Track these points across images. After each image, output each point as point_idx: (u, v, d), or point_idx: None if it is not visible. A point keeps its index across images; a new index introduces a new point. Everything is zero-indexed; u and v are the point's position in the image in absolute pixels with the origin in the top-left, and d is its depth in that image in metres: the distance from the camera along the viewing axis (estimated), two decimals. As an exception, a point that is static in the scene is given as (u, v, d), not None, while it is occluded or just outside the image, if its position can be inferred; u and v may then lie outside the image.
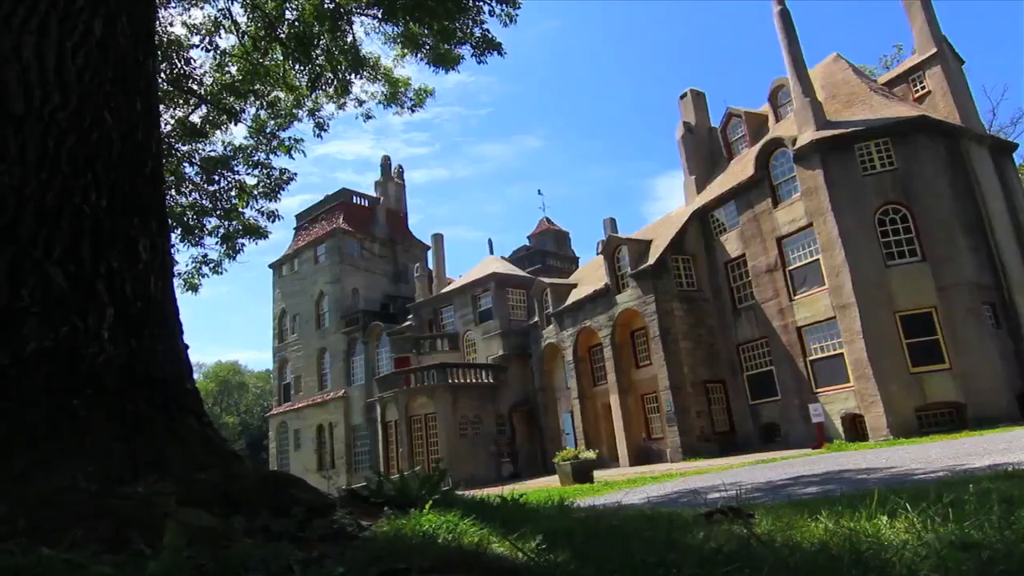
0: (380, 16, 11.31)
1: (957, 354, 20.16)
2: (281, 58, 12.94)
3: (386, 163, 51.88)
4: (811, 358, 23.23)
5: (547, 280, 34.43)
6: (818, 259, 22.91)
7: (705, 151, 30.73)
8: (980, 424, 18.67)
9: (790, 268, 24.11)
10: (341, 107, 13.74)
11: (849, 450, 17.56)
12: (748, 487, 10.00)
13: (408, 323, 40.83)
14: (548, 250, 45.27)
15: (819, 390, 22.66)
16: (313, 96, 12.70)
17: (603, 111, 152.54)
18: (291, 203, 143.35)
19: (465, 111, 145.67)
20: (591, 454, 17.50)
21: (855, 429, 21.53)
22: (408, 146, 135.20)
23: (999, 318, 21.21)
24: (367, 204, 49.86)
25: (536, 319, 33.84)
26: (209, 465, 2.45)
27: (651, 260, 26.69)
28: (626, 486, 14.37)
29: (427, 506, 2.34)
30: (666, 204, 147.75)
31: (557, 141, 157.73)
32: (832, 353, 22.49)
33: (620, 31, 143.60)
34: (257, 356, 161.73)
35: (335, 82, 12.22)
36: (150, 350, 2.67)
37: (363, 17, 12.51)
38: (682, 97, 31.98)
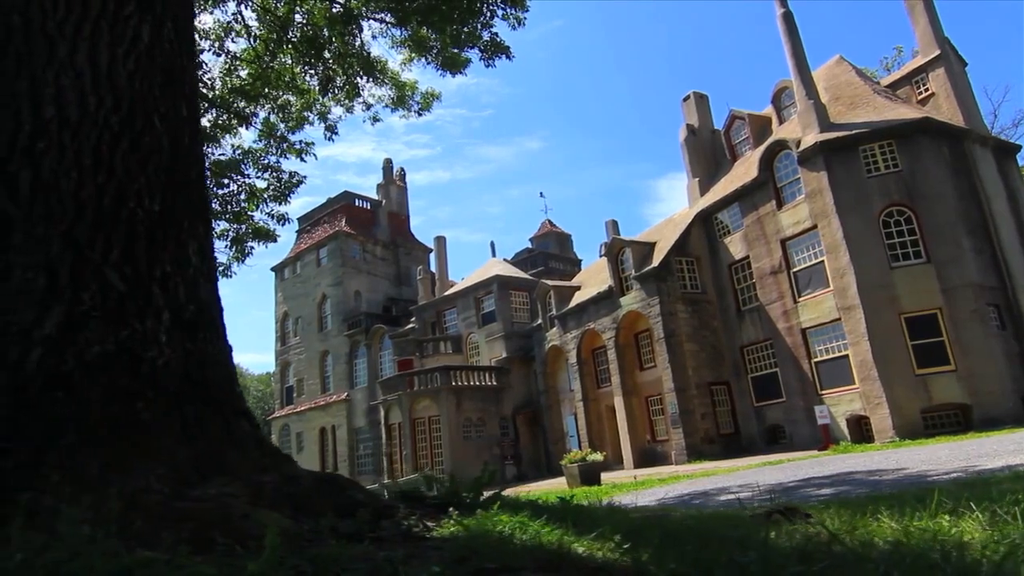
0: (391, 21, 11.36)
1: (962, 355, 20.19)
2: (290, 62, 12.99)
3: (388, 166, 51.92)
4: (816, 360, 23.25)
5: (550, 282, 34.46)
6: (822, 261, 22.95)
7: (708, 153, 30.79)
8: (986, 425, 18.70)
9: (794, 270, 24.15)
10: (349, 110, 13.78)
11: (855, 452, 17.58)
12: (760, 489, 10.01)
13: (411, 325, 40.85)
14: (550, 252, 45.27)
15: (824, 392, 22.68)
16: (323, 99, 12.74)
17: (604, 112, 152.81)
18: (293, 206, 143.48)
19: (467, 113, 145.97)
20: (598, 456, 17.51)
21: (860, 431, 21.55)
22: (410, 148, 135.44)
23: (1004, 319, 21.25)
24: (369, 207, 49.91)
25: (539, 321, 33.86)
26: (267, 467, 2.47)
27: (655, 262, 26.73)
28: (635, 488, 14.38)
29: (495, 507, 2.35)
30: (667, 206, 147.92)
31: (558, 142, 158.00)
32: (837, 355, 22.52)
33: (622, 32, 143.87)
34: (258, 359, 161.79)
35: (345, 86, 12.26)
36: (203, 353, 2.69)
37: (371, 21, 12.58)
38: (685, 99, 32.04)
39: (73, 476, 1.86)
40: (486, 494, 2.82)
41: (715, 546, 1.57)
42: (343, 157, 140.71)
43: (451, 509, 2.30)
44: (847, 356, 21.98)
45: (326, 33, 12.00)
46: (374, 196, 51.01)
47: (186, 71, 3.29)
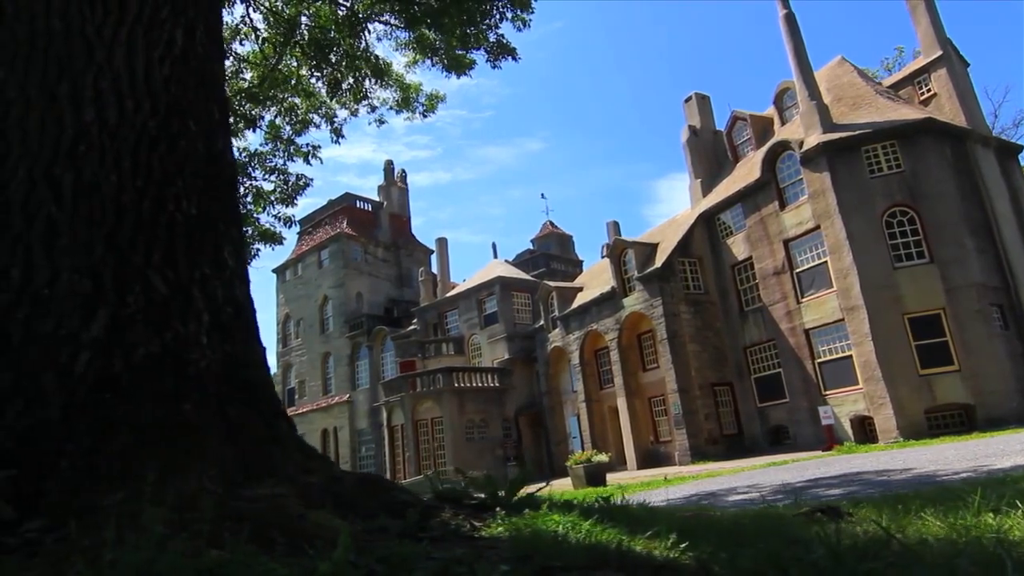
0: (400, 24, 11.39)
1: (966, 355, 20.21)
2: (296, 64, 13.01)
3: (389, 167, 51.97)
4: (819, 360, 23.27)
5: (552, 283, 34.49)
6: (826, 261, 22.97)
7: (710, 154, 30.84)
8: (989, 425, 18.72)
9: (797, 270, 24.17)
10: (354, 113, 13.79)
11: (860, 452, 17.59)
12: (768, 489, 10.01)
13: (412, 327, 40.85)
14: (552, 253, 45.29)
15: (828, 392, 22.69)
16: (330, 102, 12.76)
17: (604, 113, 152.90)
18: (294, 208, 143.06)
19: (467, 114, 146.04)
20: (604, 457, 17.52)
21: (864, 431, 21.57)
22: (410, 149, 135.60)
23: (1007, 319, 21.28)
24: (370, 208, 49.95)
25: (541, 322, 33.87)
26: (310, 468, 2.49)
27: (658, 263, 26.75)
28: (641, 489, 14.36)
29: (543, 506, 2.37)
30: (667, 207, 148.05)
31: (558, 143, 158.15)
32: (841, 355, 22.53)
33: (622, 33, 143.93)
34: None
35: (353, 88, 12.29)
36: (242, 355, 2.70)
37: (376, 23, 12.60)
38: (687, 100, 32.10)
39: (139, 476, 1.88)
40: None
41: (776, 544, 1.58)
42: (344, 158, 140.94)
43: (498, 509, 2.32)
44: (851, 356, 22.00)
45: (333, 35, 12.02)
46: (375, 197, 51.05)
47: (217, 75, 3.32)
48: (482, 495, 2.67)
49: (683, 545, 1.66)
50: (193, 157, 2.86)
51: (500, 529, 2.11)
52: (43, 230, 2.39)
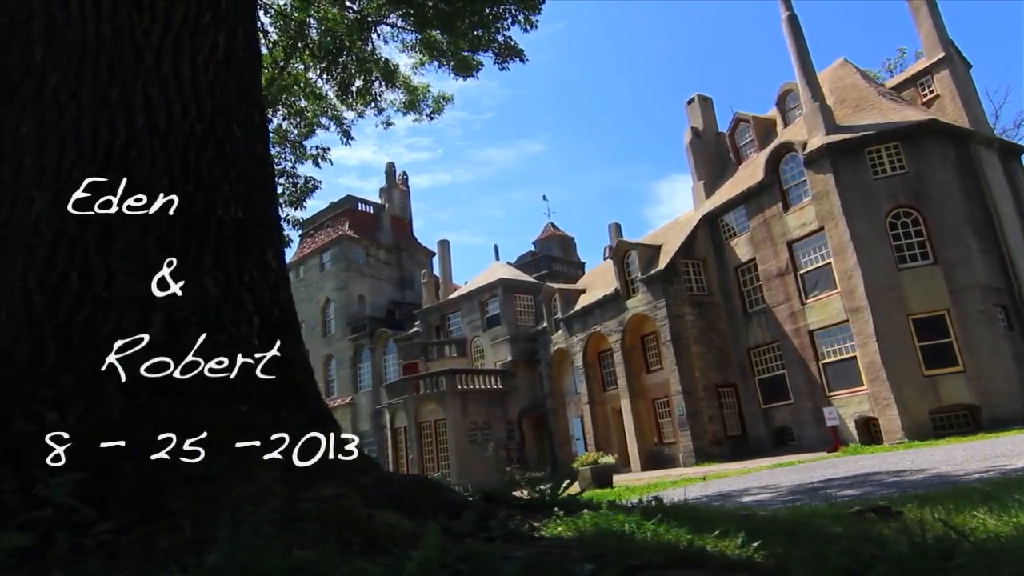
0: (409, 26, 11.43)
1: (971, 356, 20.25)
2: (303, 68, 13.05)
3: (390, 170, 52.00)
4: (824, 361, 23.29)
5: (555, 285, 34.52)
6: (829, 263, 23.01)
7: (713, 156, 30.90)
8: (994, 426, 18.75)
9: (801, 272, 24.21)
10: (361, 115, 13.83)
11: (866, 453, 17.59)
12: (782, 491, 10.00)
13: (415, 329, 40.85)
14: (554, 255, 45.31)
15: (832, 393, 22.71)
16: (339, 104, 12.80)
17: (605, 115, 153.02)
18: (303, 210, 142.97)
19: (468, 115, 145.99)
20: (610, 459, 17.53)
21: (869, 432, 21.59)
22: (411, 151, 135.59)
23: (1011, 320, 21.33)
24: (372, 211, 49.96)
25: (544, 324, 33.89)
26: (360, 468, 2.51)
27: (661, 265, 26.78)
28: (647, 490, 14.37)
29: (603, 506, 2.39)
30: (669, 208, 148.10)
31: (559, 145, 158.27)
32: (845, 356, 22.56)
33: (623, 35, 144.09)
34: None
35: (361, 90, 12.33)
36: (289, 356, 2.72)
37: (383, 26, 12.63)
38: (689, 102, 32.18)
39: (204, 478, 1.90)
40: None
41: (853, 542, 1.60)
42: (345, 160, 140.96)
43: (556, 509, 2.34)
44: (855, 357, 22.02)
45: (342, 38, 12.05)
46: (376, 200, 51.07)
47: (256, 79, 3.34)
48: (524, 495, 2.69)
49: (755, 544, 1.69)
50: (238, 160, 2.89)
51: (560, 529, 2.13)
52: (98, 233, 2.41)
